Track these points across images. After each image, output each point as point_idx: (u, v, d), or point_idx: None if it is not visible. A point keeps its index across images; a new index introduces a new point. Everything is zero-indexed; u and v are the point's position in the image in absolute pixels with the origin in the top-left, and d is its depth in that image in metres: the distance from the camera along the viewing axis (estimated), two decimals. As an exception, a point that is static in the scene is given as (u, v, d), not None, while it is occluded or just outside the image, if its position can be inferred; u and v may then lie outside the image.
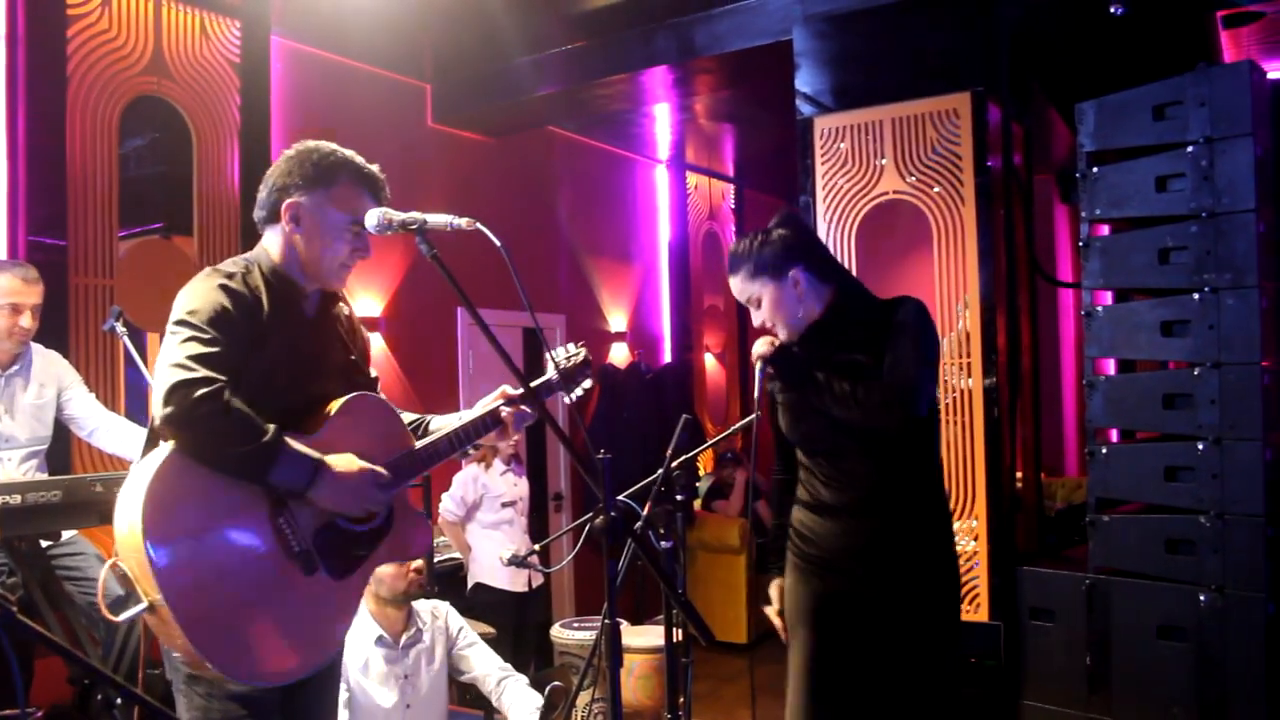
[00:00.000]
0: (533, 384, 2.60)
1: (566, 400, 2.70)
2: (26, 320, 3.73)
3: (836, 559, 2.82)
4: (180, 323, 2.15)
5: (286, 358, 2.30)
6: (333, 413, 2.30)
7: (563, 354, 2.81)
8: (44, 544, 3.50)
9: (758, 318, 2.86)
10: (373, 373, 2.62)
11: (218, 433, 2.06)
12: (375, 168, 2.43)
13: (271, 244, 2.39)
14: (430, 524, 2.47)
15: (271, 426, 2.11)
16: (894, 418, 2.70)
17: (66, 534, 3.64)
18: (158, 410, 2.07)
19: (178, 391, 2.04)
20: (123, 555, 2.02)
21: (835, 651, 2.83)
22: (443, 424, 2.61)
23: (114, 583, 2.10)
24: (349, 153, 2.40)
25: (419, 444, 2.48)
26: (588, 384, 2.80)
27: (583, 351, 2.78)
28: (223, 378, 2.08)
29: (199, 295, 2.20)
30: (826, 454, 2.85)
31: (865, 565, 2.79)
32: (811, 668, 2.84)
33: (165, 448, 2.08)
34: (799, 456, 2.96)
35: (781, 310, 2.83)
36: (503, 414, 2.58)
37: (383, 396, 2.50)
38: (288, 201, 2.34)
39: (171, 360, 2.09)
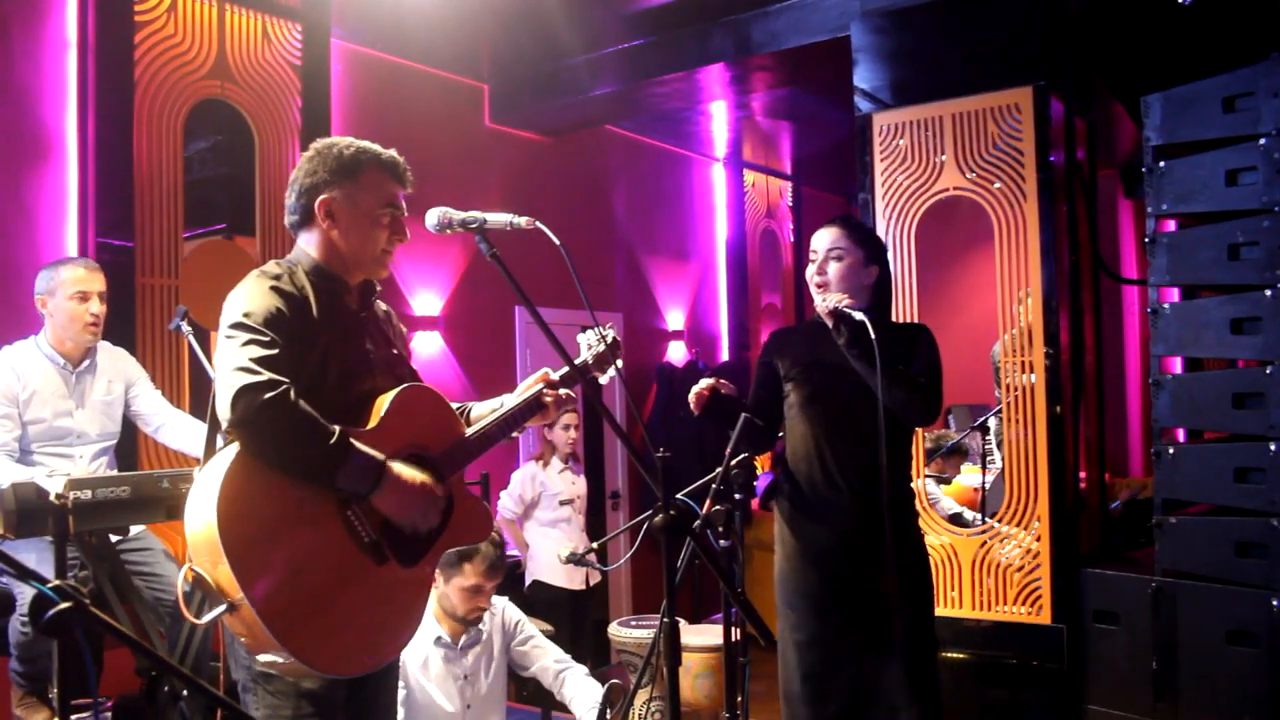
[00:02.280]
0: (564, 371, 2.65)
1: (602, 380, 2.74)
2: (95, 306, 3.82)
3: (834, 540, 3.10)
4: (237, 325, 2.15)
5: (337, 355, 2.31)
6: (386, 406, 2.30)
7: (594, 336, 2.79)
8: (113, 539, 3.57)
9: (823, 269, 3.16)
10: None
11: (286, 435, 2.07)
12: (393, 152, 2.45)
13: (309, 244, 2.40)
14: (488, 507, 2.49)
15: (336, 428, 2.11)
16: (921, 414, 3.11)
17: (134, 529, 3.71)
18: (224, 414, 2.07)
19: (245, 395, 2.04)
20: (198, 559, 2.04)
21: (829, 631, 3.10)
22: (484, 410, 2.64)
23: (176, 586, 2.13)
24: (366, 143, 2.42)
25: (469, 431, 2.50)
26: (617, 365, 2.77)
27: (611, 333, 2.76)
28: (286, 380, 2.09)
29: (252, 298, 2.21)
30: (843, 431, 3.11)
31: (862, 548, 3.05)
32: (805, 648, 3.12)
33: (231, 450, 2.09)
34: (799, 445, 3.21)
35: (849, 280, 3.14)
36: (545, 398, 2.61)
37: (432, 387, 2.51)
38: (320, 199, 2.35)
39: (234, 364, 2.09)
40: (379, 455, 2.17)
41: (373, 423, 2.27)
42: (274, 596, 2.02)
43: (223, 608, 2.01)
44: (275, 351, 2.12)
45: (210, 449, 2.26)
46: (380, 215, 2.38)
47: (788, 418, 3.24)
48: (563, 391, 2.64)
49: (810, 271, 3.18)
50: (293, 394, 2.08)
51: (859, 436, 3.06)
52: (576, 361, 2.67)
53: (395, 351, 2.53)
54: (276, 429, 2.06)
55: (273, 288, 2.24)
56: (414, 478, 2.23)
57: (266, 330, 2.15)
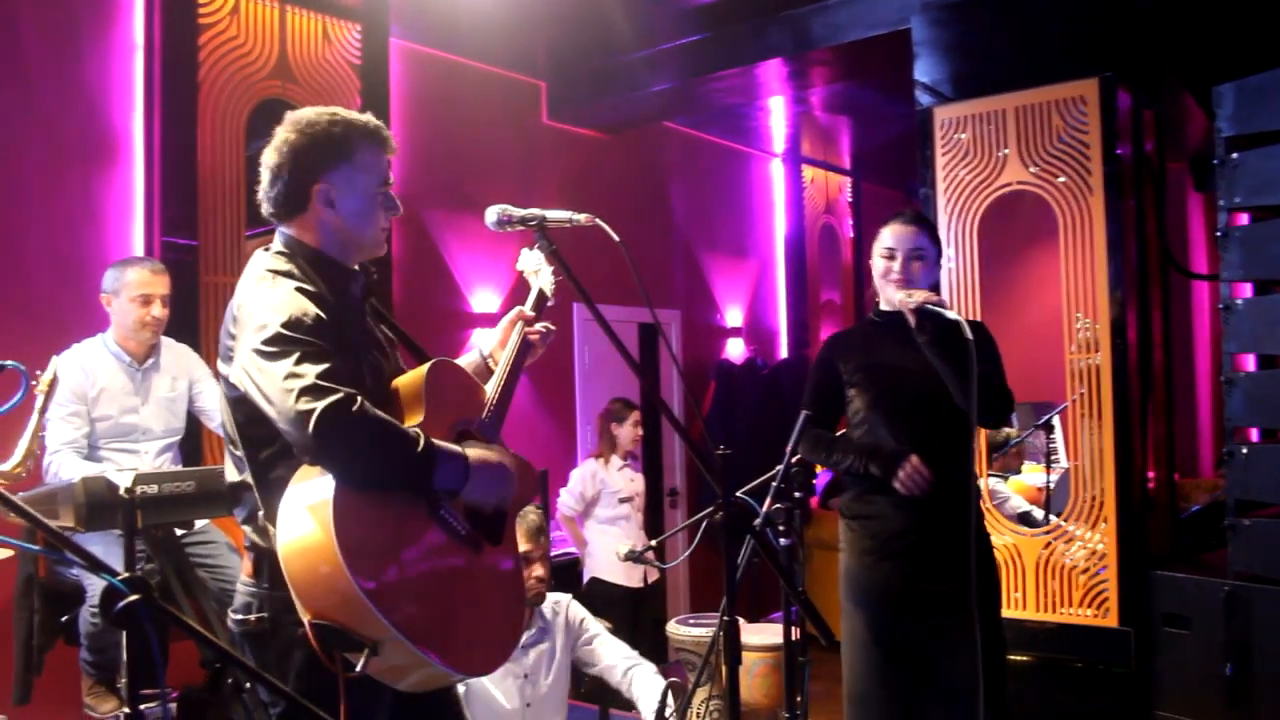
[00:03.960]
0: (532, 302, 2.56)
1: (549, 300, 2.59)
2: (157, 309, 3.87)
3: (903, 539, 3.06)
4: (278, 339, 1.97)
5: (365, 351, 2.22)
6: (422, 393, 2.19)
7: (534, 259, 2.59)
8: (178, 532, 3.64)
9: (906, 269, 3.11)
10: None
11: (380, 450, 1.95)
12: (370, 116, 2.27)
13: (302, 233, 2.22)
14: (525, 459, 2.43)
15: (417, 431, 2.01)
16: (996, 416, 3.14)
17: (198, 523, 3.78)
18: (300, 439, 1.92)
19: (329, 416, 1.88)
20: (320, 610, 1.91)
21: (899, 630, 3.07)
22: (470, 364, 2.54)
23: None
24: (346, 113, 2.24)
25: (489, 393, 2.39)
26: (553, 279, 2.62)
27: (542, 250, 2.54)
28: (355, 390, 1.95)
29: (284, 305, 2.03)
30: (913, 430, 3.08)
31: (933, 546, 3.02)
32: (874, 647, 3.09)
33: (318, 485, 1.95)
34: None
35: (927, 281, 3.16)
36: (531, 337, 2.51)
37: (449, 359, 2.38)
38: (316, 187, 2.18)
39: (298, 383, 1.91)
40: (459, 448, 2.09)
41: (419, 411, 2.17)
42: (420, 622, 1.95)
43: (367, 653, 1.89)
44: (332, 363, 1.97)
45: (264, 480, 2.14)
46: (377, 194, 2.24)
47: (853, 421, 3.21)
48: (540, 326, 2.53)
49: (886, 268, 3.14)
50: (369, 406, 1.94)
51: (928, 434, 3.05)
52: (533, 292, 2.58)
53: (386, 330, 2.42)
54: (370, 447, 1.94)
55: (298, 289, 2.08)
56: (489, 458, 2.14)
57: (314, 339, 1.99)
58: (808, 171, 9.22)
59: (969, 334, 2.81)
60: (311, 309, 2.04)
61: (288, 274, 2.14)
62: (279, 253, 2.21)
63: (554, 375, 6.73)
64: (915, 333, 2.99)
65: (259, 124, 4.91)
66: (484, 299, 6.30)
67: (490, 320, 6.29)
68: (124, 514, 3.10)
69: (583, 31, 6.18)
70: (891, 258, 3.13)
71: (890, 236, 3.16)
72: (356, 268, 2.30)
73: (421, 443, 1.99)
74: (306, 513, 1.95)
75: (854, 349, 3.25)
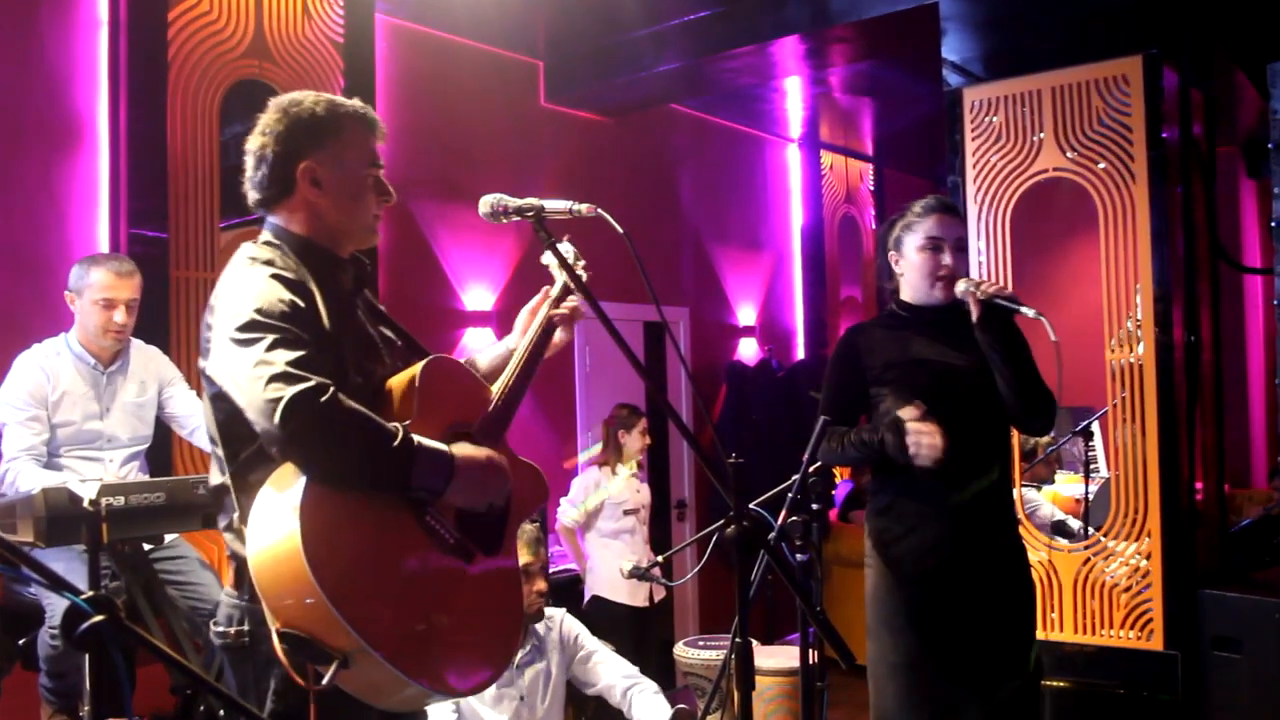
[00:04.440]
0: (560, 285, 2.59)
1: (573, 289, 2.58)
2: (120, 316, 3.83)
3: (938, 553, 3.05)
4: (251, 326, 2.02)
5: (351, 344, 2.23)
6: (417, 389, 2.19)
7: (566, 248, 2.61)
8: (146, 547, 3.64)
9: (951, 260, 3.14)
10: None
11: (352, 445, 1.97)
12: (359, 101, 2.33)
13: (289, 221, 2.27)
14: (533, 463, 2.43)
15: (397, 426, 2.02)
16: (1048, 422, 3.13)
17: (168, 537, 3.78)
18: (269, 430, 1.95)
19: (298, 405, 1.91)
20: (288, 619, 1.92)
21: (932, 652, 3.05)
22: (491, 361, 2.57)
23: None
24: (333, 96, 2.31)
25: (495, 391, 2.40)
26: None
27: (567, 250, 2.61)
28: (329, 380, 1.97)
29: (258, 292, 2.08)
30: (954, 435, 3.00)
31: (970, 561, 3.04)
32: (906, 671, 3.07)
33: (289, 484, 1.97)
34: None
35: (964, 269, 3.17)
36: (556, 321, 2.53)
37: (448, 356, 2.39)
38: (302, 166, 2.22)
39: (269, 371, 1.95)
40: (443, 445, 2.09)
41: (409, 410, 2.17)
42: (395, 635, 1.95)
43: (336, 664, 1.90)
44: (306, 351, 2.01)
45: (242, 481, 2.14)
46: (367, 177, 2.29)
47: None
48: (567, 306, 2.55)
49: (934, 260, 3.14)
50: (342, 396, 1.97)
51: (969, 437, 3.03)
52: (558, 283, 2.61)
53: (384, 327, 2.43)
54: (341, 439, 1.96)
55: (275, 276, 2.12)
56: (478, 456, 2.14)
57: (289, 327, 2.04)
58: (826, 158, 9.22)
59: (1053, 335, 2.84)
60: (286, 295, 2.09)
61: (267, 261, 2.18)
62: (265, 242, 2.26)
63: (553, 377, 6.73)
64: (978, 328, 3.00)
65: (234, 107, 4.91)
66: (477, 295, 6.30)
67: (484, 318, 6.29)
68: (88, 528, 3.10)
69: (583, 7, 6.17)
70: (938, 249, 3.14)
71: (935, 226, 3.16)
72: (348, 258, 2.33)
73: (399, 437, 2.01)
74: (275, 514, 1.96)
75: (878, 344, 3.23)
